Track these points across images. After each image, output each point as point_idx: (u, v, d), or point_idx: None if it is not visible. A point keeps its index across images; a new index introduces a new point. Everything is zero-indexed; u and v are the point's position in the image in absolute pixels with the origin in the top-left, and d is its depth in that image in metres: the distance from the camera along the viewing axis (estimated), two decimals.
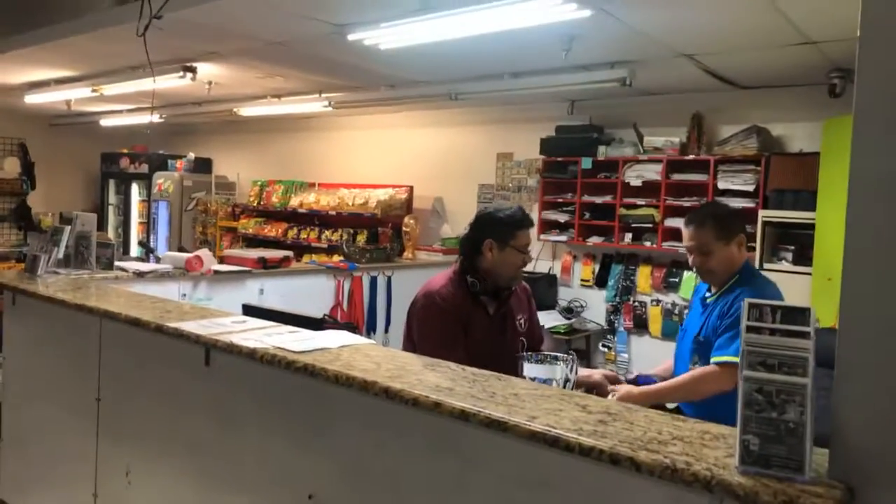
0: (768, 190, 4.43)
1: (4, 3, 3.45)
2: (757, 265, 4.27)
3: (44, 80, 6.12)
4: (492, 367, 1.86)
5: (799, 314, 1.19)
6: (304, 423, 1.95)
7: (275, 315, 2.50)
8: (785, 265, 4.29)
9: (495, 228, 2.39)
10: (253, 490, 2.09)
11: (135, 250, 8.63)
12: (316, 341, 2.04)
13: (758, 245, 4.30)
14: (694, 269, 2.42)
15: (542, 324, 4.85)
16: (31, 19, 3.23)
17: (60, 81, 6.05)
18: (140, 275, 3.69)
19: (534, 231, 5.56)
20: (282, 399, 2.01)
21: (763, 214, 4.34)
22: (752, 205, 4.49)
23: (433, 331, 2.33)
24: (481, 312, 2.42)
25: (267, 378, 2.03)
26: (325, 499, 1.87)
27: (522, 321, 2.50)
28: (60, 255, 3.46)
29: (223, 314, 2.45)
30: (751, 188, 4.50)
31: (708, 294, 2.42)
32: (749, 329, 1.21)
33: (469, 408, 1.46)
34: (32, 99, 6.60)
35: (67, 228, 3.47)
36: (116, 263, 3.73)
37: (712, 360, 2.23)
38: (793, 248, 4.33)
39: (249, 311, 2.63)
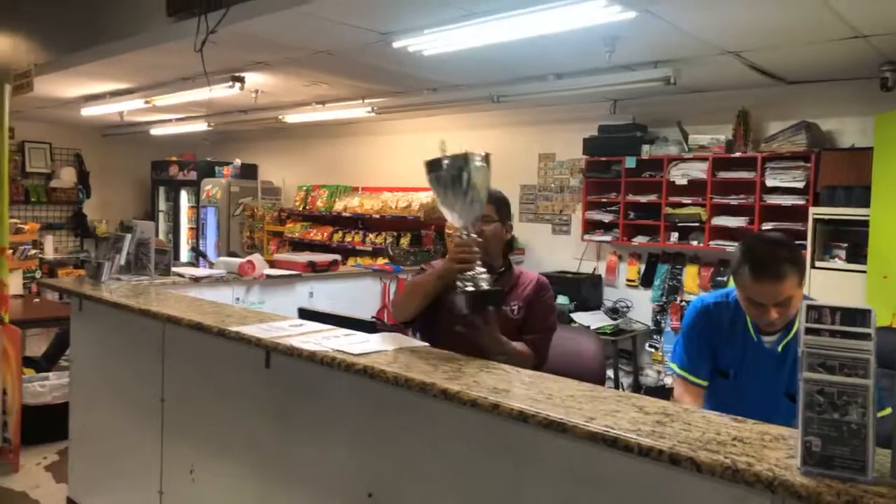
0: (819, 186, 4.35)
1: (68, 23, 3.61)
2: (808, 264, 4.19)
3: (99, 94, 6.36)
4: (468, 349, 2.01)
5: (859, 315, 1.19)
6: (363, 424, 2.01)
7: (329, 318, 2.57)
8: (838, 263, 4.21)
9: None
10: (312, 487, 2.17)
11: (185, 255, 8.88)
12: (372, 344, 2.09)
13: (809, 243, 4.23)
14: (765, 324, 1.98)
15: (587, 324, 4.86)
16: (92, 37, 3.38)
17: (115, 94, 6.28)
18: (196, 280, 3.82)
19: (577, 231, 5.68)
20: (340, 400, 2.08)
21: (814, 212, 4.26)
22: (802, 202, 4.42)
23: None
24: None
25: (325, 379, 2.10)
26: (384, 497, 1.93)
27: (515, 308, 2.39)
28: (122, 262, 3.61)
29: (281, 318, 2.54)
30: (800, 185, 4.42)
31: (772, 338, 2.02)
32: (808, 331, 1.22)
33: (527, 409, 1.50)
34: (88, 111, 6.86)
35: (128, 236, 3.61)
36: (173, 269, 3.86)
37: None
38: (845, 245, 4.24)
39: (305, 314, 2.71)
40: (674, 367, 2.24)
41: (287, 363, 2.21)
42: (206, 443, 2.61)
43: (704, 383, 2.15)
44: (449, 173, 2.13)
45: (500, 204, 2.47)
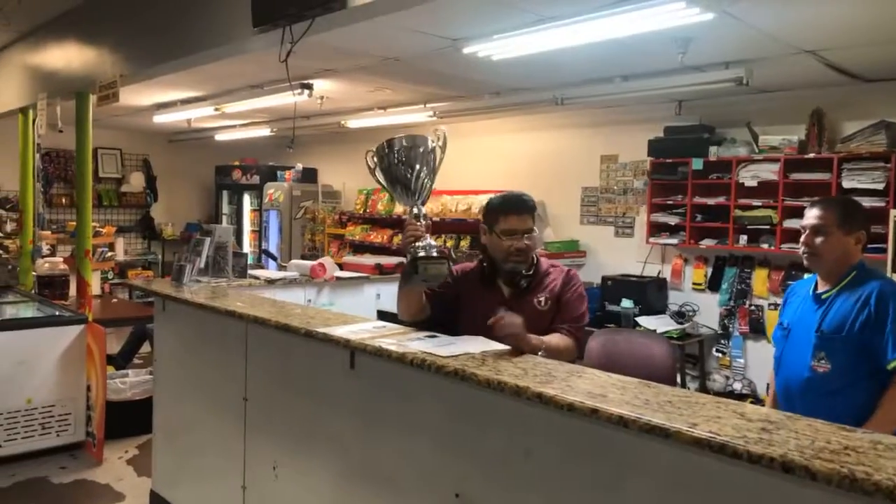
0: None
1: (154, 35, 3.76)
2: (889, 266, 4.06)
3: (171, 101, 6.60)
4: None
5: None
6: (449, 424, 2.04)
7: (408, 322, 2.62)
8: None
9: (486, 213, 2.53)
10: (397, 486, 2.21)
11: (249, 258, 9.11)
12: (457, 346, 2.13)
13: (889, 245, 4.09)
14: (802, 249, 2.36)
15: (653, 328, 4.79)
16: (177, 49, 3.52)
17: (186, 102, 6.50)
18: (271, 282, 3.93)
19: (641, 234, 5.62)
20: (426, 401, 2.11)
21: (895, 214, 4.12)
22: (881, 203, 4.27)
23: None
24: (490, 293, 2.50)
25: (411, 380, 2.14)
26: (472, 498, 1.96)
27: (542, 300, 2.47)
28: (202, 265, 3.74)
29: (363, 319, 2.60)
30: (880, 186, 4.28)
31: (820, 290, 2.36)
32: None
33: (628, 414, 1.51)
34: (160, 119, 7.12)
35: (208, 240, 3.75)
36: (249, 272, 3.99)
37: (892, 365, 2.15)
38: None
39: (383, 316, 2.78)
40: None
41: (372, 364, 2.26)
42: (289, 440, 2.69)
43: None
44: (401, 154, 2.28)
45: (534, 211, 2.51)
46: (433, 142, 2.29)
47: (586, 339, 3.27)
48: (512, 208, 2.44)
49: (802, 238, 2.35)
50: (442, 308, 2.56)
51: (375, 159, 2.37)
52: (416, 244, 2.27)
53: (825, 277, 2.36)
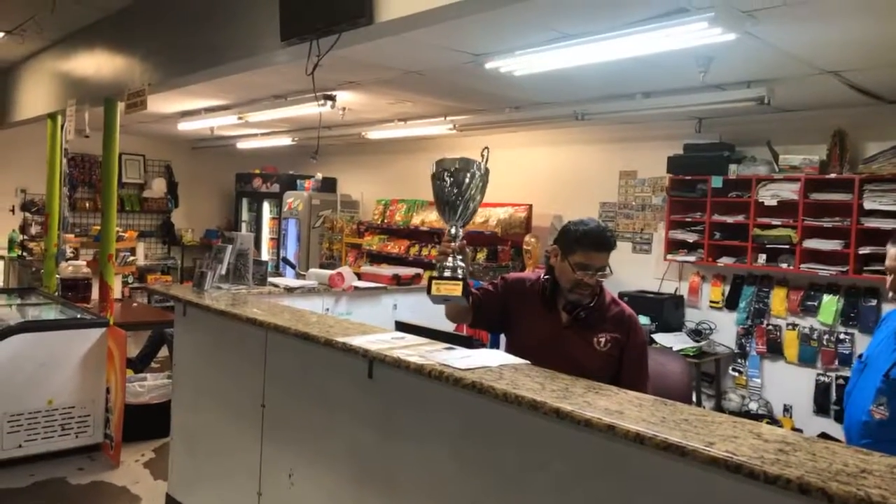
0: None
1: (183, 46, 3.84)
2: None
3: (196, 109, 6.71)
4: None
5: None
6: (466, 437, 2.06)
7: (426, 332, 2.64)
8: None
9: (563, 238, 2.44)
10: (414, 497, 2.22)
11: (270, 266, 9.20)
12: (475, 359, 2.14)
13: None
14: (890, 294, 2.23)
15: (669, 345, 4.78)
16: (206, 59, 3.59)
17: (210, 110, 6.61)
18: (290, 290, 3.97)
19: (659, 251, 5.61)
20: (443, 412, 2.13)
21: None
22: None
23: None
24: (549, 315, 2.46)
25: (429, 391, 2.16)
26: None
27: (603, 341, 2.39)
28: (223, 272, 3.79)
29: (382, 330, 2.62)
30: None
31: None
32: None
33: (644, 431, 1.52)
34: (184, 126, 7.24)
35: (230, 247, 3.80)
36: (269, 280, 4.03)
37: None
38: None
39: (402, 327, 2.80)
40: None
41: (391, 374, 2.29)
42: (305, 448, 2.72)
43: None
44: (454, 177, 2.32)
45: (614, 246, 2.43)
46: (480, 164, 2.31)
47: None
48: (592, 245, 2.34)
49: (890, 281, 2.19)
50: (485, 317, 2.56)
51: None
52: (445, 262, 2.31)
53: None
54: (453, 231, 2.35)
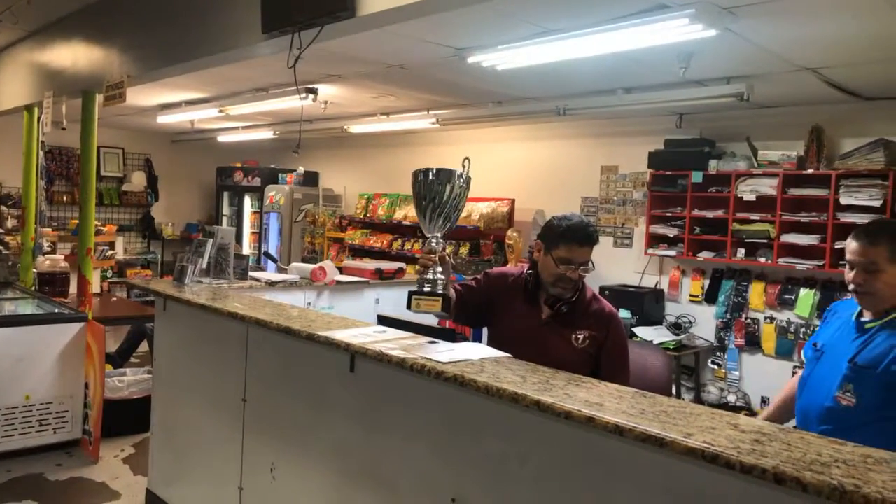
0: None
1: (164, 38, 3.80)
2: None
3: (176, 102, 6.63)
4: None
5: None
6: (448, 430, 2.07)
7: (407, 326, 2.65)
8: None
9: (546, 232, 2.45)
10: (395, 490, 2.23)
11: (251, 260, 9.14)
12: (457, 353, 2.15)
13: None
14: (851, 287, 2.20)
15: (649, 339, 4.82)
16: (186, 51, 3.55)
17: (190, 103, 6.54)
18: (271, 284, 3.95)
19: (640, 245, 5.65)
20: (425, 405, 2.14)
21: None
22: None
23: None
24: (530, 310, 2.47)
25: (411, 385, 2.17)
26: (468, 502, 1.98)
27: (581, 338, 2.40)
28: (204, 266, 3.77)
29: (364, 324, 2.62)
30: (877, 203, 4.32)
31: (865, 318, 2.21)
32: None
33: (624, 423, 1.53)
34: (164, 119, 7.16)
35: (210, 241, 3.77)
36: (250, 274, 4.01)
37: None
38: None
39: (384, 321, 2.80)
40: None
41: (372, 368, 2.29)
42: (287, 442, 2.71)
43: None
44: (433, 186, 2.32)
45: (596, 241, 2.43)
46: (462, 174, 2.31)
47: None
48: (575, 239, 2.35)
49: (851, 276, 2.18)
50: (468, 313, 2.58)
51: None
52: (425, 276, 2.34)
53: (875, 310, 2.19)
54: (434, 243, 2.36)
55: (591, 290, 2.52)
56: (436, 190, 2.28)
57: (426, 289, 2.34)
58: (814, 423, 2.21)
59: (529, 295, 2.49)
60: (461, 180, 2.31)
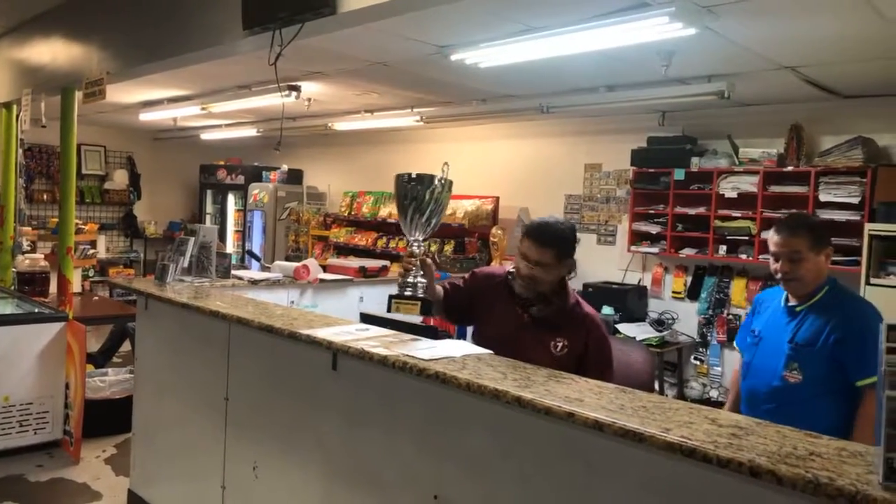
0: (875, 202, 4.30)
1: (143, 34, 3.76)
2: (862, 280, 4.15)
3: (157, 99, 6.58)
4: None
5: None
6: (430, 427, 2.07)
7: (391, 323, 2.65)
8: (893, 280, 4.15)
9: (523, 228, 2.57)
10: (378, 487, 2.23)
11: (234, 258, 9.09)
12: (439, 350, 2.16)
13: (864, 259, 4.18)
14: (778, 276, 2.38)
15: (632, 335, 4.85)
16: (166, 48, 3.52)
17: (172, 100, 6.48)
18: (254, 283, 3.93)
19: (623, 242, 5.69)
20: (407, 403, 2.14)
21: (870, 228, 4.21)
22: (857, 217, 4.37)
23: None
24: (512, 308, 2.47)
25: (393, 383, 2.17)
26: (451, 499, 1.99)
27: (560, 345, 2.40)
28: (185, 264, 3.74)
29: (346, 322, 2.61)
30: (855, 200, 4.38)
31: (793, 303, 2.40)
32: (889, 350, 1.25)
33: (603, 418, 1.55)
34: (146, 117, 7.09)
35: (192, 240, 3.74)
36: (233, 272, 3.99)
37: (861, 383, 2.19)
38: None
39: (367, 319, 2.80)
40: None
41: (354, 366, 2.29)
42: (269, 441, 2.70)
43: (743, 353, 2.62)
44: (414, 190, 2.41)
45: (560, 246, 2.41)
46: (442, 178, 2.36)
47: None
48: (531, 234, 2.39)
49: (778, 265, 2.36)
50: (452, 312, 2.67)
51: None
52: (406, 279, 2.41)
53: (799, 295, 2.39)
54: (415, 247, 2.44)
55: (574, 297, 2.53)
56: (415, 194, 2.34)
57: (407, 292, 2.42)
58: (761, 403, 2.40)
59: (511, 295, 2.51)
60: (440, 184, 2.35)
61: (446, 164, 2.39)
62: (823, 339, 2.27)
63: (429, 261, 2.47)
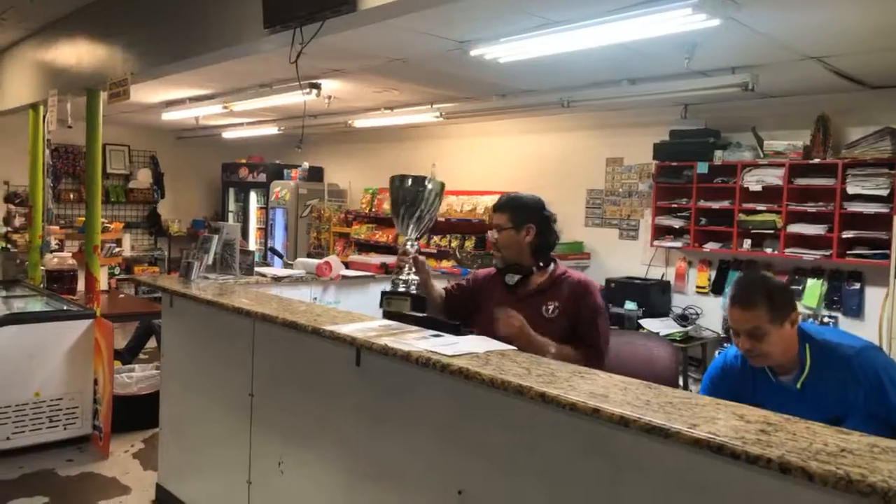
0: None
1: (166, 34, 3.80)
2: (891, 273, 4.07)
3: (180, 99, 6.64)
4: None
5: None
6: (453, 422, 2.07)
7: (413, 319, 2.65)
8: None
9: None
10: (401, 482, 2.24)
11: (257, 255, 9.17)
12: (462, 346, 2.16)
13: (892, 252, 4.10)
14: (743, 353, 2.17)
15: (656, 331, 4.82)
16: (189, 48, 3.56)
17: (195, 99, 6.55)
18: (277, 279, 3.96)
19: (646, 237, 5.64)
20: (431, 398, 2.14)
21: None
22: (885, 210, 4.29)
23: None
24: (502, 290, 2.65)
25: (416, 378, 2.17)
26: (475, 495, 1.99)
27: (552, 308, 2.57)
28: (210, 262, 3.78)
29: (369, 318, 2.63)
30: (884, 192, 4.29)
31: (785, 378, 2.15)
32: None
33: (629, 414, 1.54)
34: (169, 116, 7.17)
35: (216, 237, 3.78)
36: (256, 269, 4.02)
37: None
38: None
39: (390, 315, 2.80)
40: None
41: (378, 362, 2.30)
42: (294, 436, 2.73)
43: None
44: (408, 192, 2.59)
45: (515, 210, 2.60)
46: (432, 179, 2.49)
47: None
48: (496, 206, 2.65)
49: (739, 343, 2.13)
50: (454, 310, 2.77)
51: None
52: (399, 276, 2.57)
53: (782, 367, 2.16)
54: (408, 245, 2.58)
55: (562, 268, 2.68)
56: (405, 194, 2.44)
57: (400, 289, 2.57)
58: None
59: (503, 282, 2.65)
60: (430, 185, 2.44)
61: (434, 164, 2.52)
62: (852, 402, 2.05)
63: (422, 258, 2.61)
